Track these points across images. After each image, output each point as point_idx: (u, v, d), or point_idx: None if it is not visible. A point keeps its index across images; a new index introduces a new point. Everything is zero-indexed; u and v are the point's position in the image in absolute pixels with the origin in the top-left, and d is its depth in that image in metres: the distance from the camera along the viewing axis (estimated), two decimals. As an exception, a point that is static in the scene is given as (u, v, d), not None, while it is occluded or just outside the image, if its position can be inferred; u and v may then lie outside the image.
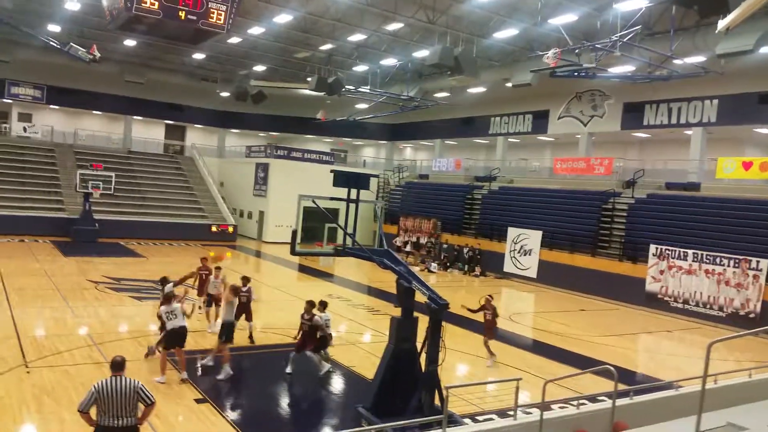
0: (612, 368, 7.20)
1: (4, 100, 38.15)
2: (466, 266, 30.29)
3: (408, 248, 33.13)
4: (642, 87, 25.67)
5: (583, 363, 13.94)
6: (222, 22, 17.45)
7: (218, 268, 15.33)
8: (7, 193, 31.77)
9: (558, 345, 16.36)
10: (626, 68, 24.37)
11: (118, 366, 6.53)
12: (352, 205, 10.77)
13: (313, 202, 10.27)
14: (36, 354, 11.84)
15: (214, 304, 14.77)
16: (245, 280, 13.93)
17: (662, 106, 27.83)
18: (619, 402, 7.27)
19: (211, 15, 17.26)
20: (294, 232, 10.75)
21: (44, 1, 26.07)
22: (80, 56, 25.99)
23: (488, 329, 14.00)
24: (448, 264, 31.02)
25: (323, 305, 11.92)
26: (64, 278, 20.53)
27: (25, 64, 34.49)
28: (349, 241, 10.85)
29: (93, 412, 6.36)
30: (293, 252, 10.99)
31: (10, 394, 9.72)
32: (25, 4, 26.30)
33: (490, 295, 13.87)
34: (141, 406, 6.50)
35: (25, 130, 38.70)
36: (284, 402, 10.69)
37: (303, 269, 27.81)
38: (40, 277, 20.28)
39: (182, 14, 16.83)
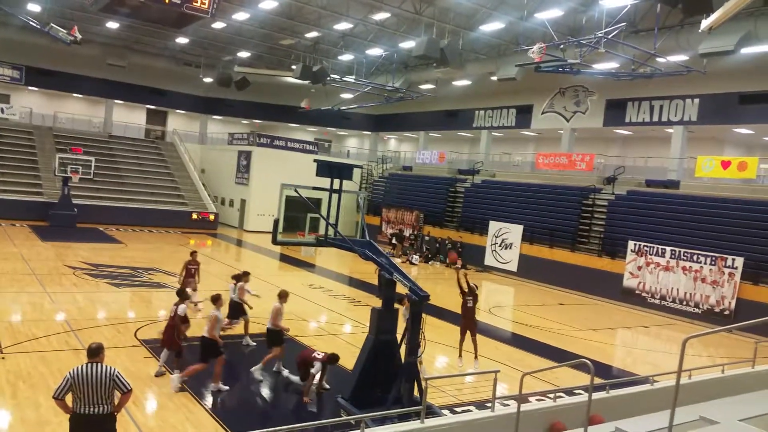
0: (588, 362, 7.27)
1: (-19, 81, 37.42)
2: (447, 259, 30.40)
3: (393, 241, 33.19)
4: (625, 84, 25.88)
5: (560, 356, 14.11)
6: (206, 6, 17.24)
7: (246, 273, 13.86)
8: (-17, 176, 31.22)
9: (536, 338, 16.53)
10: (610, 65, 24.58)
11: (94, 353, 6.44)
12: (335, 196, 10.74)
13: (296, 191, 10.23)
14: (11, 340, 11.69)
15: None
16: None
17: (644, 103, 28.10)
18: (596, 395, 7.35)
19: (196, -1, 17.05)
20: (276, 221, 10.70)
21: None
22: (61, 37, 25.54)
23: (471, 320, 13.20)
24: (430, 256, 31.12)
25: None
26: (41, 263, 20.26)
27: (3, 44, 33.81)
28: (331, 231, 10.83)
29: (69, 399, 6.31)
30: (275, 241, 10.94)
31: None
32: (4, -17, 25.75)
33: (474, 284, 13.79)
34: (117, 394, 6.44)
35: (2, 111, 37.97)
36: (263, 392, 10.68)
37: (284, 258, 27.74)
38: (16, 261, 19.99)
39: (166, -2, 16.62)
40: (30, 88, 39.25)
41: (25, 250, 22.51)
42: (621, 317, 21.58)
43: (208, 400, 9.88)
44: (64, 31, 25.42)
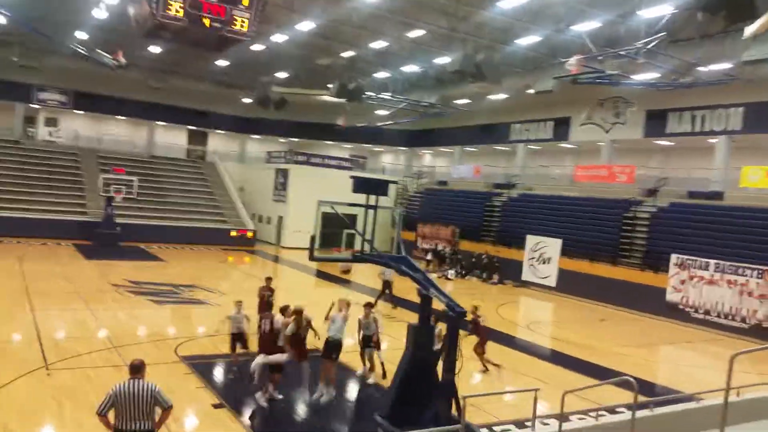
0: (632, 379, 7.09)
1: (32, 106, 38.86)
2: (484, 274, 30.11)
3: (429, 256, 33.05)
4: (665, 94, 25.38)
5: (602, 374, 13.75)
6: (245, 29, 17.66)
7: (368, 305, 12.94)
8: (31, 196, 32.30)
9: (577, 355, 16.16)
10: (650, 75, 24.13)
11: (136, 369, 6.57)
12: (371, 211, 10.76)
13: (332, 207, 10.29)
14: (57, 356, 11.99)
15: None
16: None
17: (686, 113, 27.47)
18: (639, 414, 7.16)
19: (235, 22, 17.48)
20: (312, 238, 10.77)
21: (72, 10, 26.50)
22: (106, 62, 26.44)
23: (483, 339, 13.38)
24: (465, 272, 30.85)
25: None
26: (85, 281, 20.81)
27: (53, 71, 35.10)
28: (367, 247, 10.84)
29: (111, 416, 6.42)
30: (311, 257, 11.00)
31: (31, 396, 9.85)
32: (54, 13, 26.77)
33: (475, 306, 13.51)
34: (158, 411, 6.53)
35: (50, 134, 39.37)
36: (301, 409, 10.69)
37: (321, 275, 27.87)
38: (61, 280, 20.57)
39: (207, 22, 17.08)
40: (77, 111, 40.62)
41: (70, 268, 23.16)
42: (664, 333, 20.97)
43: (246, 417, 9.92)
44: (109, 56, 26.31)
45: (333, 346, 10.96)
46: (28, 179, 33.59)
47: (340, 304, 11.43)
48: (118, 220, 31.64)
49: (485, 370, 13.46)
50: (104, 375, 10.99)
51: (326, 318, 11.21)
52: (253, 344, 11.72)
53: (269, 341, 10.62)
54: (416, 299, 10.43)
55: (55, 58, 32.75)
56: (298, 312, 10.61)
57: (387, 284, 20.41)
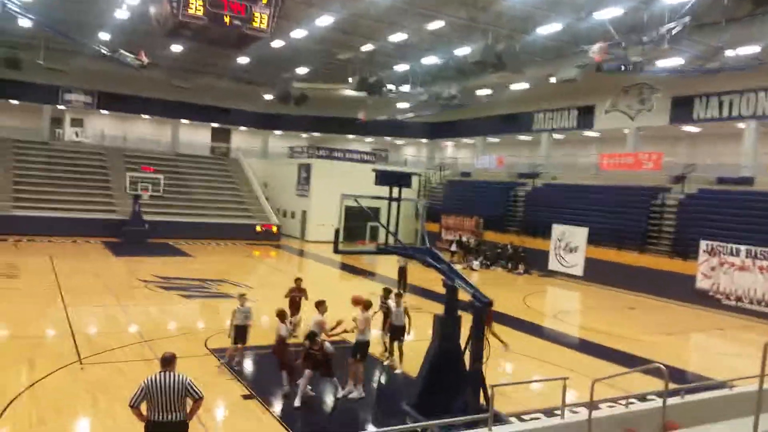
0: (662, 366, 7.02)
1: (59, 107, 39.57)
2: (509, 264, 29.96)
3: (453, 247, 33.00)
4: (691, 80, 24.91)
5: (631, 362, 13.62)
6: (265, 26, 17.74)
7: (399, 294, 12.96)
8: (60, 196, 32.95)
9: (605, 343, 16.02)
10: (675, 61, 23.69)
11: (167, 362, 6.69)
12: (394, 204, 10.77)
13: (355, 200, 10.33)
14: (89, 351, 12.24)
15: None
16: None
17: (713, 98, 26.93)
18: (670, 401, 7.09)
19: (255, 20, 17.56)
20: (337, 231, 10.83)
21: (95, 11, 26.90)
22: (129, 62, 26.78)
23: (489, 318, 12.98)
24: (490, 262, 30.71)
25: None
26: (115, 277, 21.19)
27: (78, 72, 35.68)
28: (391, 239, 10.87)
29: (143, 408, 6.55)
30: (336, 250, 11.06)
31: (66, 390, 10.09)
32: (77, 15, 27.20)
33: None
34: (189, 402, 6.64)
35: (77, 135, 40.06)
36: (329, 399, 10.78)
37: (345, 268, 27.99)
38: (92, 276, 20.98)
39: (227, 19, 17.20)
40: (102, 111, 41.27)
41: (100, 265, 23.60)
42: (694, 320, 20.68)
43: (276, 407, 10.04)
44: (132, 56, 26.63)
45: (360, 346, 10.92)
46: (56, 179, 34.26)
47: (363, 303, 11.28)
48: (146, 218, 32.11)
49: (505, 345, 13.30)
50: (136, 369, 11.19)
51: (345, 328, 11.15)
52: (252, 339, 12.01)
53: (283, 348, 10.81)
54: (440, 290, 10.44)
55: (80, 59, 33.28)
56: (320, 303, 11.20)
57: (402, 271, 20.52)
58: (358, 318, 10.97)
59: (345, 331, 11.00)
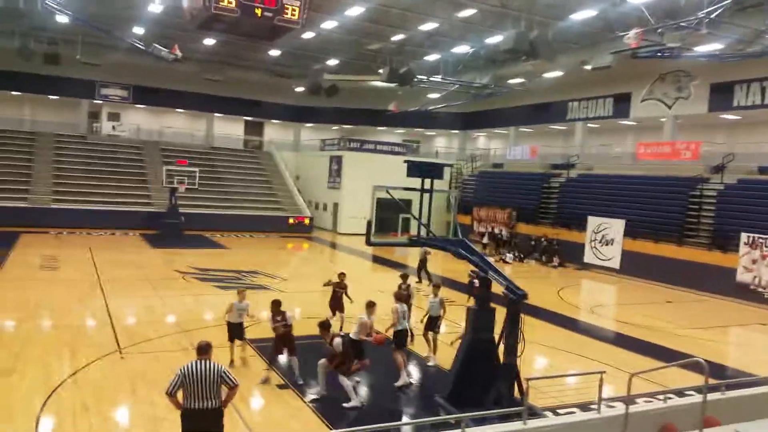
0: (702, 361, 6.86)
1: (95, 101, 40.43)
2: (543, 257, 29.63)
3: (485, 240, 32.77)
4: (731, 66, 24.18)
5: (669, 357, 13.36)
6: (296, 17, 17.75)
7: (437, 286, 13.30)
8: (98, 189, 33.72)
9: (643, 338, 15.74)
10: (714, 46, 22.99)
11: (203, 350, 6.83)
12: (426, 196, 10.72)
13: (387, 192, 10.30)
14: (129, 341, 12.52)
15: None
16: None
17: (754, 85, 26.11)
18: (710, 396, 6.94)
19: (286, 11, 17.59)
20: (369, 223, 10.83)
21: (129, 5, 27.32)
22: (163, 56, 27.10)
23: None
24: (523, 255, 30.41)
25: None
26: (152, 269, 21.61)
27: (113, 67, 36.37)
28: (423, 231, 10.83)
29: (179, 396, 6.68)
30: (368, 242, 11.06)
31: (107, 378, 10.35)
32: (113, 9, 27.67)
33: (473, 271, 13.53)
34: (224, 390, 6.76)
35: (113, 128, 40.88)
36: (363, 390, 10.83)
37: (377, 260, 28.04)
38: (130, 268, 21.43)
39: (258, 11, 17.25)
40: (137, 105, 42.02)
41: (137, 257, 24.09)
42: (735, 314, 20.17)
43: (311, 397, 10.12)
44: (166, 50, 26.95)
45: (397, 335, 11.21)
46: (94, 173, 35.05)
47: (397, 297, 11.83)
48: (182, 210, 32.64)
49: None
50: (174, 358, 11.40)
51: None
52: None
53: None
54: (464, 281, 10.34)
55: (115, 54, 33.87)
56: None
57: (423, 262, 20.72)
58: (395, 308, 11.35)
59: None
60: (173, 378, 6.68)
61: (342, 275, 14.22)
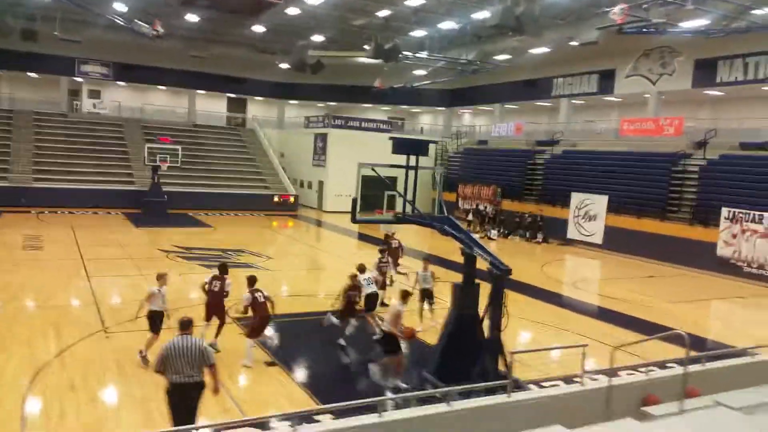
0: (683, 333, 6.99)
1: (76, 79, 39.71)
2: (527, 233, 29.83)
3: (470, 217, 32.89)
4: (715, 42, 24.24)
5: (651, 330, 13.60)
6: (279, -8, 17.46)
7: (426, 260, 14.04)
8: (80, 167, 33.28)
9: (625, 312, 15.99)
10: (699, 22, 23.05)
11: (185, 325, 7.08)
12: (411, 173, 10.71)
13: (372, 169, 10.28)
14: (114, 320, 12.49)
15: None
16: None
17: (737, 61, 26.25)
18: (691, 368, 7.08)
19: (269, -15, 17.28)
20: (354, 201, 10.82)
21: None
22: (144, 32, 26.69)
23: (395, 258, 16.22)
24: (508, 231, 30.60)
25: None
26: (136, 248, 21.47)
27: (94, 43, 35.65)
28: (409, 208, 10.84)
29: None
30: (354, 220, 11.07)
31: (93, 357, 10.33)
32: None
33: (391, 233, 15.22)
34: (205, 370, 6.98)
35: (94, 106, 40.25)
36: (351, 366, 10.91)
37: (363, 237, 28.07)
38: (114, 247, 21.28)
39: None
40: (118, 83, 41.35)
41: (121, 236, 23.90)
42: (715, 288, 20.52)
43: (299, 374, 10.20)
44: (147, 27, 26.52)
45: (370, 298, 12.37)
46: (76, 151, 34.56)
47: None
48: (165, 189, 32.35)
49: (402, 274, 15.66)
50: (160, 337, 11.38)
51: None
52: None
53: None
54: (458, 259, 10.44)
55: (96, 30, 33.21)
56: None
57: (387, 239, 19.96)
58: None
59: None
60: (158, 356, 6.89)
61: (389, 237, 14.63)
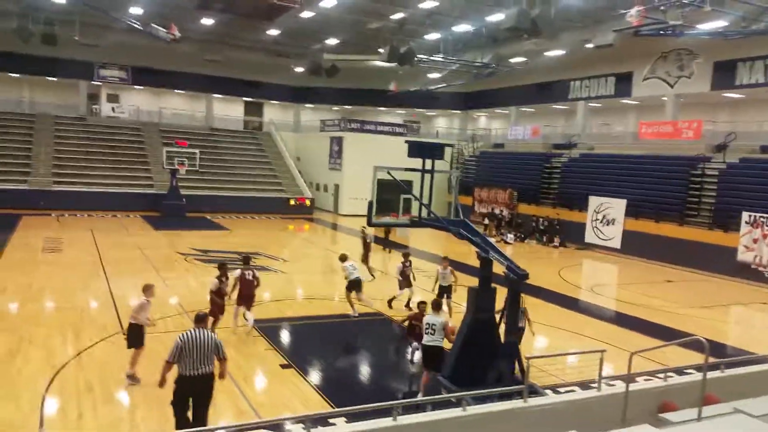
0: (703, 339, 6.89)
1: (94, 83, 40.21)
2: (544, 237, 29.65)
3: (486, 221, 32.78)
4: (734, 43, 23.95)
5: (670, 336, 13.42)
6: (295, -4, 17.57)
7: (446, 258, 14.48)
8: (99, 171, 33.68)
9: (643, 317, 15.82)
10: (717, 24, 22.79)
11: (200, 320, 7.41)
12: (427, 176, 10.69)
13: (388, 173, 10.27)
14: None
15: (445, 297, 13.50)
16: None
17: (758, 63, 25.89)
18: (710, 375, 6.98)
19: (285, -10, 17.41)
20: (370, 204, 10.82)
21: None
22: (161, 36, 26.93)
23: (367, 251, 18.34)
24: (524, 235, 30.43)
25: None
26: (155, 251, 21.65)
27: (112, 48, 36.09)
28: (424, 211, 10.82)
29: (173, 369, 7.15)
30: (369, 223, 11.08)
31: (111, 359, 10.41)
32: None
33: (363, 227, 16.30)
34: (216, 363, 7.27)
35: (113, 110, 40.72)
36: (365, 369, 10.92)
37: (378, 241, 28.02)
38: (132, 249, 21.47)
39: (257, -10, 17.08)
40: (136, 87, 41.80)
41: (140, 238, 24.12)
42: (735, 293, 20.23)
43: (313, 377, 10.21)
44: (164, 30, 26.76)
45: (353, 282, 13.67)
46: (95, 154, 35.01)
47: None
48: (183, 192, 32.61)
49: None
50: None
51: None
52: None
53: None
54: (474, 263, 10.40)
55: (113, 34, 33.59)
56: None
57: (366, 242, 19.67)
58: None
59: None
60: (173, 347, 7.09)
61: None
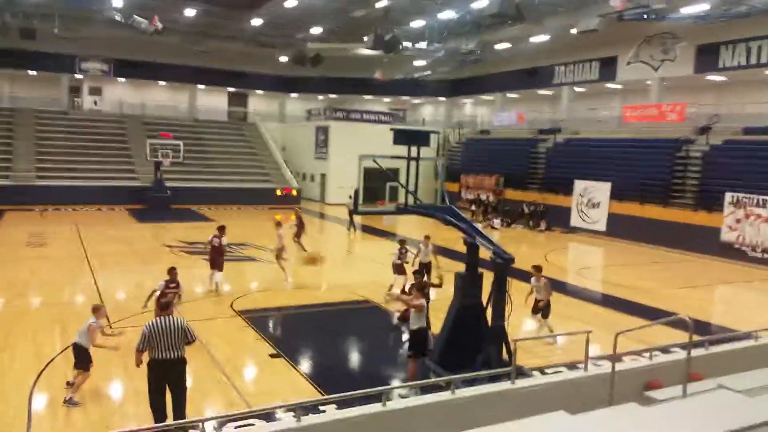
0: (687, 318, 6.97)
1: (76, 76, 39.70)
2: (530, 222, 29.81)
3: (472, 207, 32.88)
4: (717, 27, 24.11)
5: (655, 315, 13.55)
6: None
7: (427, 237, 14.62)
8: (82, 164, 33.31)
9: (629, 298, 15.98)
10: (700, 7, 22.91)
11: (165, 307, 7.66)
12: (413, 164, 10.70)
13: (374, 161, 10.25)
14: (119, 315, 12.52)
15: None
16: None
17: (740, 45, 26.07)
18: (695, 352, 7.06)
19: (266, -22, 17.22)
20: (356, 192, 10.83)
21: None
22: (143, 28, 26.66)
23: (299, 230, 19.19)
24: (511, 221, 30.57)
25: None
26: (140, 244, 21.52)
27: (93, 40, 35.64)
28: (411, 198, 10.83)
29: (144, 355, 7.36)
30: (356, 212, 11.09)
31: (98, 352, 10.33)
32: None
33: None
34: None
35: (95, 103, 40.27)
36: (354, 356, 10.96)
37: (365, 229, 28.06)
38: (118, 243, 21.33)
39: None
40: (119, 79, 41.32)
41: (125, 232, 23.96)
42: (719, 273, 20.49)
43: (303, 365, 10.23)
44: (146, 22, 26.48)
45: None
46: (78, 148, 34.60)
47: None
48: (168, 184, 32.38)
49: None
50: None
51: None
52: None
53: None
54: (461, 249, 10.44)
55: (94, 27, 33.21)
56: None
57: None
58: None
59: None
60: (140, 337, 7.31)
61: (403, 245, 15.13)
